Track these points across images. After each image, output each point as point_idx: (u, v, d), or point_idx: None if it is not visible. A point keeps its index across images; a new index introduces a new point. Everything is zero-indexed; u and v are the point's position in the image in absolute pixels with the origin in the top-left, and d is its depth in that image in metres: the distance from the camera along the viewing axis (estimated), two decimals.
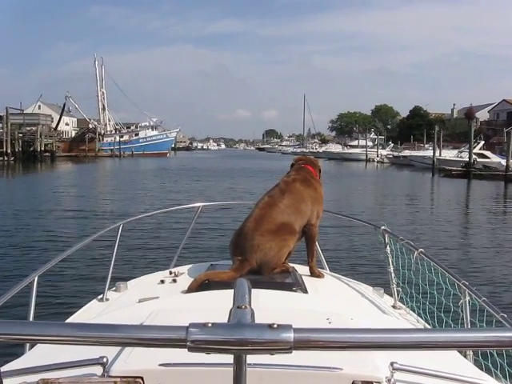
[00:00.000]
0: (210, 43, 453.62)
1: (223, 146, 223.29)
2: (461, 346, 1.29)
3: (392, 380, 1.51)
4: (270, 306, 2.12)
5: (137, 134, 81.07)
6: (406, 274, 3.33)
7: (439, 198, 25.91)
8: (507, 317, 2.15)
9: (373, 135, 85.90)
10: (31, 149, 56.33)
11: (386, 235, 3.35)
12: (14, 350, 1.91)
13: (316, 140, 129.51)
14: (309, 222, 3.19)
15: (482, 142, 46.63)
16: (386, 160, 62.21)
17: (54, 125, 72.32)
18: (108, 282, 3.04)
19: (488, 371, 2.36)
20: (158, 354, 1.50)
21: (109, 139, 77.07)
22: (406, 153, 59.38)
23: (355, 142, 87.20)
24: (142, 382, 1.48)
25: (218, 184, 28.69)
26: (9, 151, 50.99)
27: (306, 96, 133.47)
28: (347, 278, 3.50)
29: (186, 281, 2.87)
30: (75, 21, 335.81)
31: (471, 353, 2.36)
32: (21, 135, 56.03)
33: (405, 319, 2.81)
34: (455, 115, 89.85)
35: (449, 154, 48.96)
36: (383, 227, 3.39)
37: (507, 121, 66.06)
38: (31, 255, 9.97)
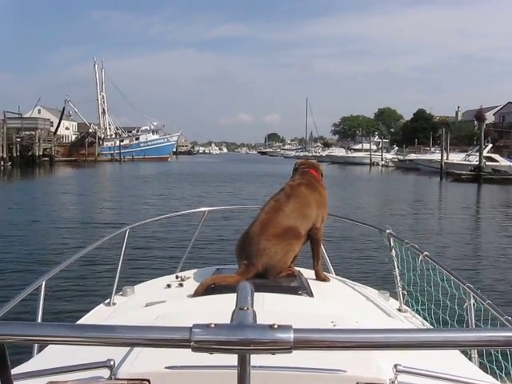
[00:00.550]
0: (213, 47, 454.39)
1: (225, 150, 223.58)
2: (463, 346, 1.31)
3: (396, 382, 1.53)
4: (275, 309, 2.16)
5: (137, 138, 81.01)
6: (411, 277, 3.37)
7: (450, 204, 25.08)
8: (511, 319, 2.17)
9: (377, 138, 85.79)
10: (29, 153, 56.29)
11: (391, 239, 3.40)
12: (23, 353, 1.96)
13: (318, 144, 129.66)
14: (314, 225, 3.25)
15: (490, 145, 45.95)
16: (390, 164, 62.04)
17: (53, 129, 72.43)
18: (115, 287, 3.08)
19: (493, 374, 2.41)
20: (164, 357, 1.54)
21: (109, 143, 77.06)
22: (412, 156, 59.06)
23: (359, 146, 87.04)
24: None
25: (220, 190, 28.29)
26: (5, 156, 50.83)
27: (309, 100, 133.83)
28: (353, 281, 3.55)
29: (192, 285, 2.92)
30: (77, 25, 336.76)
31: (476, 355, 2.40)
32: (19, 140, 55.96)
33: (410, 322, 2.86)
34: (460, 118, 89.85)
35: (456, 157, 48.57)
36: (388, 231, 3.45)
37: None
38: (28, 265, 9.88)
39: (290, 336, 0.90)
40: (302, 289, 2.81)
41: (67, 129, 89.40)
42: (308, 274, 3.28)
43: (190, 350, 0.91)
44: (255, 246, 2.99)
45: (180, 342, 0.92)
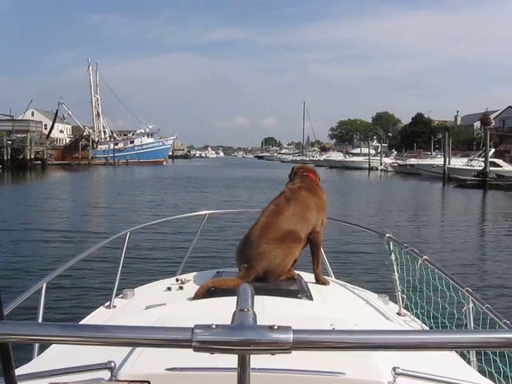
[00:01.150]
0: (209, 51, 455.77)
1: (222, 154, 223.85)
2: (459, 347, 1.34)
3: None
4: (275, 312, 2.21)
5: (132, 142, 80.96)
6: (410, 281, 3.43)
7: (458, 212, 23.36)
8: (510, 323, 2.23)
9: (375, 143, 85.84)
10: (20, 157, 55.82)
11: (391, 242, 3.46)
12: (23, 354, 2.00)
13: (316, 148, 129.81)
14: (314, 229, 3.31)
15: (493, 150, 44.95)
16: (390, 168, 61.66)
17: (47, 132, 72.07)
18: (115, 289, 3.13)
19: (491, 376, 2.46)
20: (165, 359, 1.58)
21: (103, 147, 77.00)
22: (413, 161, 58.47)
23: (357, 150, 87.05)
24: None
25: (215, 196, 27.27)
26: None
27: (306, 104, 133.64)
28: (352, 285, 3.61)
29: (192, 288, 2.98)
30: (75, 28, 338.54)
31: (474, 358, 2.45)
32: (10, 142, 55.54)
33: (409, 326, 2.92)
34: (459, 122, 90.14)
35: (458, 162, 47.91)
36: (388, 234, 3.51)
37: None
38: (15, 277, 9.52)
39: (290, 337, 0.93)
40: (302, 292, 2.86)
41: (61, 132, 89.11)
42: (308, 277, 3.34)
43: (192, 350, 0.94)
44: (255, 250, 3.04)
45: (182, 342, 0.95)
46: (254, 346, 0.94)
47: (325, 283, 3.35)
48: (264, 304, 2.27)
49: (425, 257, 3.08)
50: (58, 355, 1.85)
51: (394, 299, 3.35)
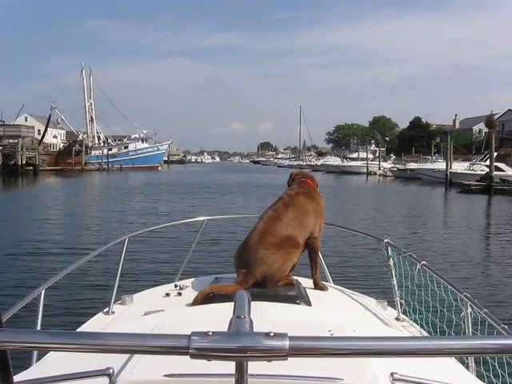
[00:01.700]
0: (206, 56, 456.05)
1: (217, 159, 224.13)
2: (457, 353, 1.37)
3: None
4: (273, 318, 2.24)
5: (126, 147, 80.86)
6: (409, 286, 3.48)
7: (466, 219, 21.65)
8: (508, 328, 2.26)
9: (373, 147, 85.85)
10: (12, 162, 55.58)
11: (389, 248, 3.51)
12: (21, 362, 2.03)
13: (312, 153, 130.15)
14: (311, 234, 3.35)
15: (495, 154, 43.18)
16: (389, 173, 61.42)
17: (40, 137, 71.84)
18: (114, 296, 3.16)
19: (490, 382, 2.52)
20: (163, 365, 1.59)
21: (97, 152, 76.76)
22: (413, 165, 58.04)
23: (355, 155, 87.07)
24: None
25: (210, 203, 26.77)
26: None
27: (302, 109, 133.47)
28: (351, 290, 3.65)
29: (190, 294, 3.01)
30: (70, 34, 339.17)
31: (473, 364, 2.48)
32: (1, 148, 55.38)
33: (408, 331, 2.96)
34: (457, 126, 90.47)
35: (459, 166, 47.36)
36: (386, 240, 3.56)
37: None
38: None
39: (286, 343, 0.95)
40: (300, 298, 2.90)
41: (55, 137, 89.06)
42: (306, 283, 3.37)
43: (189, 357, 0.96)
44: (254, 255, 3.08)
45: (179, 349, 0.97)
46: (251, 352, 0.96)
47: (323, 289, 3.38)
48: (262, 310, 2.30)
49: (423, 262, 3.12)
50: (56, 362, 1.87)
51: (392, 304, 3.40)
